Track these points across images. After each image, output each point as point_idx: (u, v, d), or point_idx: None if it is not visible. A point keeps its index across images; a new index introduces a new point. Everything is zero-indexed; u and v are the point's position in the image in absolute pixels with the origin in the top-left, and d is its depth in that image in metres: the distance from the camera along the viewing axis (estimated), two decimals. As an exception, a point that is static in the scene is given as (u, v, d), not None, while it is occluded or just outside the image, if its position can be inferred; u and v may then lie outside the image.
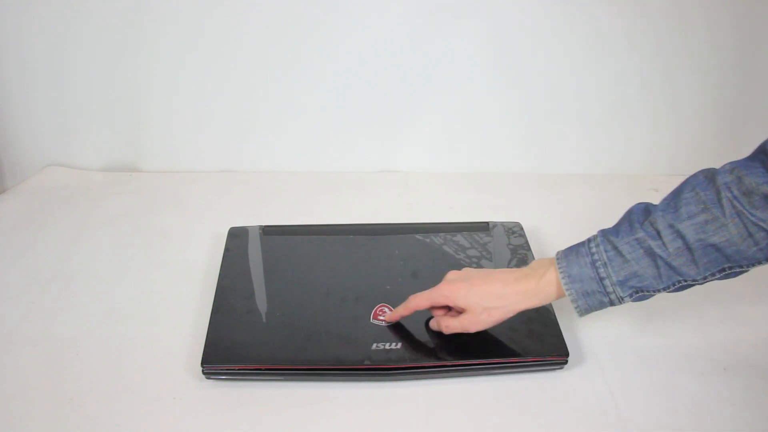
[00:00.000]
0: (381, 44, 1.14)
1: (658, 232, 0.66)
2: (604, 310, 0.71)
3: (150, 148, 1.22)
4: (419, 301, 0.75)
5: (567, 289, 0.69)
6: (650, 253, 0.66)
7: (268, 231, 0.95)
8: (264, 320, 0.79)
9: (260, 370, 0.73)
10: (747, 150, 0.68)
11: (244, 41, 1.14)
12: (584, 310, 0.70)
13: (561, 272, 0.70)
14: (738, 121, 1.18)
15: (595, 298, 0.69)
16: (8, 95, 1.17)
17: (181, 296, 0.87)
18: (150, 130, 1.20)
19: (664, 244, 0.66)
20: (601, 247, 0.68)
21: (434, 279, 0.76)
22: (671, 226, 0.66)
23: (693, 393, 0.72)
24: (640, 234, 0.67)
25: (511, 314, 0.72)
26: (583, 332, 0.80)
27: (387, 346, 0.74)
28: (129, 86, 1.17)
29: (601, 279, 0.68)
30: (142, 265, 0.94)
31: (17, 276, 0.91)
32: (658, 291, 0.68)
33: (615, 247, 0.68)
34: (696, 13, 1.10)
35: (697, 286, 0.68)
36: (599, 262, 0.68)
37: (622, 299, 0.69)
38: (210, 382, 0.73)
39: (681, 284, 0.67)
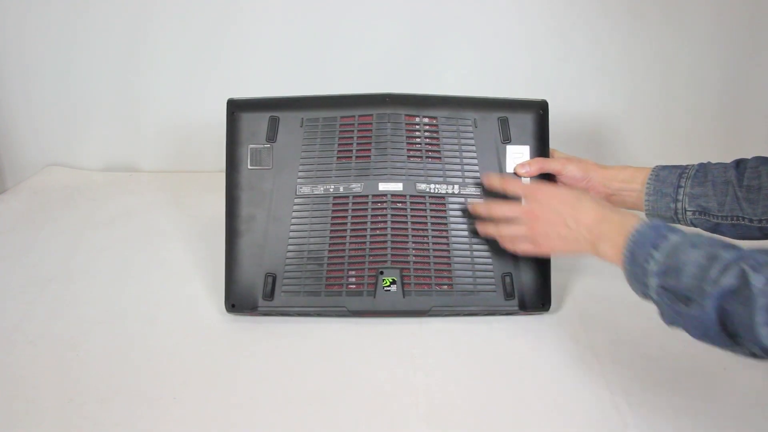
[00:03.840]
0: (383, 45, 1.14)
1: (745, 169, 0.77)
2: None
3: (150, 148, 1.22)
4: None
5: (648, 182, 0.80)
6: (727, 182, 0.77)
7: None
8: None
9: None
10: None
11: (244, 42, 1.14)
12: (652, 205, 0.80)
13: (653, 168, 0.81)
14: (731, 118, 1.18)
15: (665, 202, 0.79)
16: (9, 95, 1.17)
17: (181, 296, 0.87)
18: (150, 130, 1.20)
19: (742, 177, 0.75)
20: (695, 166, 0.80)
21: None
22: (757, 167, 0.75)
23: (693, 393, 0.72)
24: (730, 165, 0.78)
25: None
26: (583, 332, 0.81)
27: None
28: (129, 87, 1.17)
29: (678, 187, 0.78)
30: (142, 265, 0.94)
31: (17, 276, 0.91)
32: (717, 219, 0.77)
33: (705, 169, 0.79)
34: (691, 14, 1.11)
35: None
36: (684, 175, 0.79)
37: (686, 212, 0.79)
38: (211, 382, 0.73)
39: (737, 220, 0.75)
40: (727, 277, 0.57)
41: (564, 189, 0.79)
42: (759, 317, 0.53)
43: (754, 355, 0.58)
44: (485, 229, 0.81)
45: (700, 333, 0.59)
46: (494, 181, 0.82)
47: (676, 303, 0.61)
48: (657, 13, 1.11)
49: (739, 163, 0.79)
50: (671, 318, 0.63)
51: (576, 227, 0.73)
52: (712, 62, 1.14)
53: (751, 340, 0.55)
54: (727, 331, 0.57)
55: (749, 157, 0.79)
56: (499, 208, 0.80)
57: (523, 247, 0.79)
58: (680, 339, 0.79)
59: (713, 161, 0.81)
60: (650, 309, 0.82)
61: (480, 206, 0.81)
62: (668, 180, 0.80)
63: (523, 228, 0.77)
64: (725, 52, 1.13)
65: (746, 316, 0.54)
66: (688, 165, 0.81)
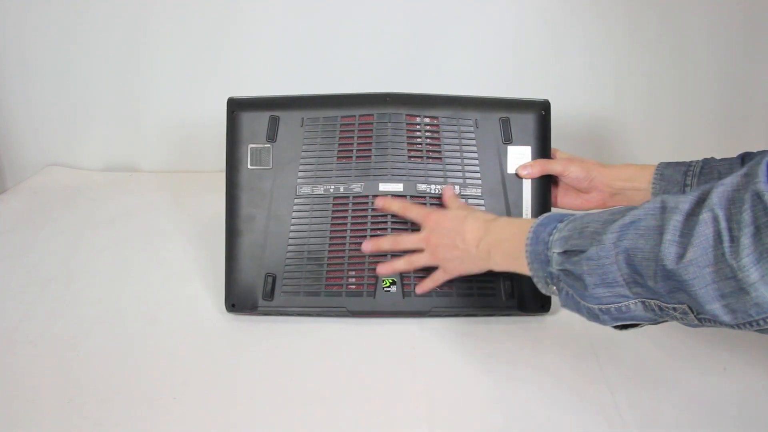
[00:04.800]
0: (383, 45, 1.14)
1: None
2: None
3: (150, 148, 1.22)
4: None
5: (653, 182, 0.80)
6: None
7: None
8: None
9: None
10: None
11: (244, 42, 1.14)
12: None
13: (656, 166, 0.81)
14: (730, 116, 1.19)
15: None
16: (9, 95, 1.17)
17: (181, 296, 0.87)
18: (150, 130, 1.20)
19: None
20: (699, 162, 0.79)
21: None
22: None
23: (693, 393, 0.72)
24: (736, 160, 0.77)
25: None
26: (583, 332, 0.81)
27: None
28: (129, 87, 1.17)
29: (684, 185, 0.78)
30: (142, 265, 0.94)
31: (17, 276, 0.91)
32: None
33: (710, 165, 0.78)
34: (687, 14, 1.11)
35: None
36: (690, 172, 0.78)
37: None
38: (211, 382, 0.73)
39: None
40: (628, 215, 0.55)
41: (453, 210, 0.78)
42: (667, 236, 0.52)
43: (649, 309, 0.57)
44: (394, 266, 0.80)
45: (597, 281, 0.57)
46: (393, 206, 0.81)
47: (576, 264, 0.58)
48: (656, 13, 1.11)
49: (744, 158, 0.77)
50: (567, 297, 0.62)
51: (465, 246, 0.73)
52: (710, 61, 1.14)
53: (654, 271, 0.53)
54: (628, 268, 0.55)
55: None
56: (404, 241, 0.79)
57: (437, 277, 0.79)
58: (680, 339, 0.80)
59: (716, 157, 0.80)
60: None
61: (383, 241, 0.80)
62: (674, 179, 0.79)
63: (427, 255, 0.77)
64: (723, 51, 1.13)
65: (651, 240, 0.53)
66: (691, 161, 0.80)
